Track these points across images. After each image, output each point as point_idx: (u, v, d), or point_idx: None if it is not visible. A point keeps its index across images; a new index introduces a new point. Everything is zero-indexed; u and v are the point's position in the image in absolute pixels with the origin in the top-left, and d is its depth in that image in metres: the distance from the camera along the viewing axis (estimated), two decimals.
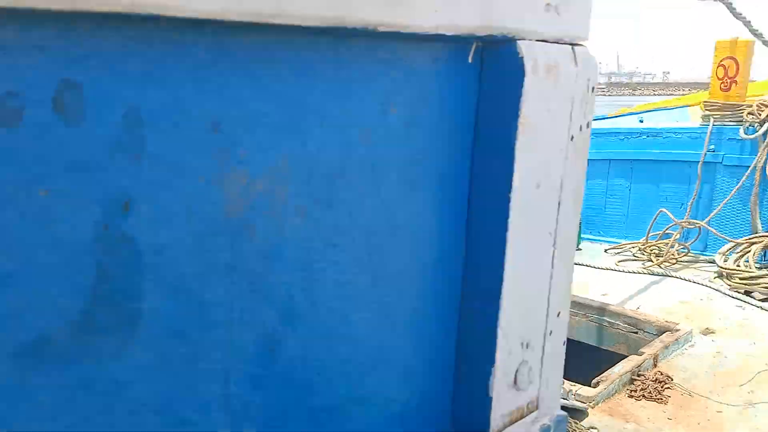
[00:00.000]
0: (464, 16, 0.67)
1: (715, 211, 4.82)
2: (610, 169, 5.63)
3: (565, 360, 0.90)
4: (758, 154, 4.69)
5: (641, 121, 6.33)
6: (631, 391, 3.08)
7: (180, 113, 0.55)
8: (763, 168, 4.66)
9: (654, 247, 5.02)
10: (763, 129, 4.67)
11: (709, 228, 4.78)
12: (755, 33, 4.81)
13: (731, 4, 4.50)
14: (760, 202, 4.78)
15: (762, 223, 4.74)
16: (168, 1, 0.49)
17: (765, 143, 4.65)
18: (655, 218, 4.98)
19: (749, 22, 4.71)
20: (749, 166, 4.72)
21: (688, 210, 5.03)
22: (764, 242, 4.51)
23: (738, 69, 4.87)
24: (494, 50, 0.74)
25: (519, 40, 0.72)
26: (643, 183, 5.47)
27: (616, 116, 6.67)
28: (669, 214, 4.93)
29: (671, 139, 5.25)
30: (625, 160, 5.53)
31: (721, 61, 4.96)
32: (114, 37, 0.50)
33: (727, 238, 4.74)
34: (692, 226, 4.94)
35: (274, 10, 0.54)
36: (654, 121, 6.17)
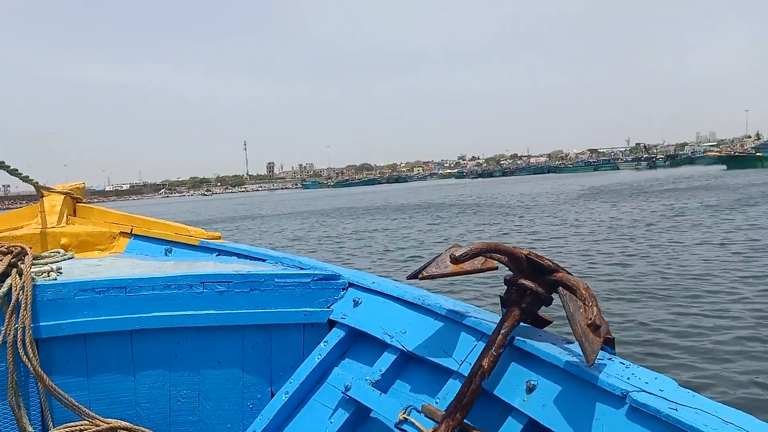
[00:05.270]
0: None
1: None
2: None
3: None
4: (4, 325, 2.96)
5: None
6: None
7: None
8: (15, 344, 2.94)
9: None
10: (4, 288, 2.98)
11: None
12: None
13: None
14: (24, 395, 3.05)
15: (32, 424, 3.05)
16: None
17: (10, 308, 2.96)
18: None
19: None
20: None
21: None
22: None
23: None
24: None
25: None
26: None
27: None
28: None
29: None
30: None
31: None
32: None
33: None
34: None
35: None
36: None
